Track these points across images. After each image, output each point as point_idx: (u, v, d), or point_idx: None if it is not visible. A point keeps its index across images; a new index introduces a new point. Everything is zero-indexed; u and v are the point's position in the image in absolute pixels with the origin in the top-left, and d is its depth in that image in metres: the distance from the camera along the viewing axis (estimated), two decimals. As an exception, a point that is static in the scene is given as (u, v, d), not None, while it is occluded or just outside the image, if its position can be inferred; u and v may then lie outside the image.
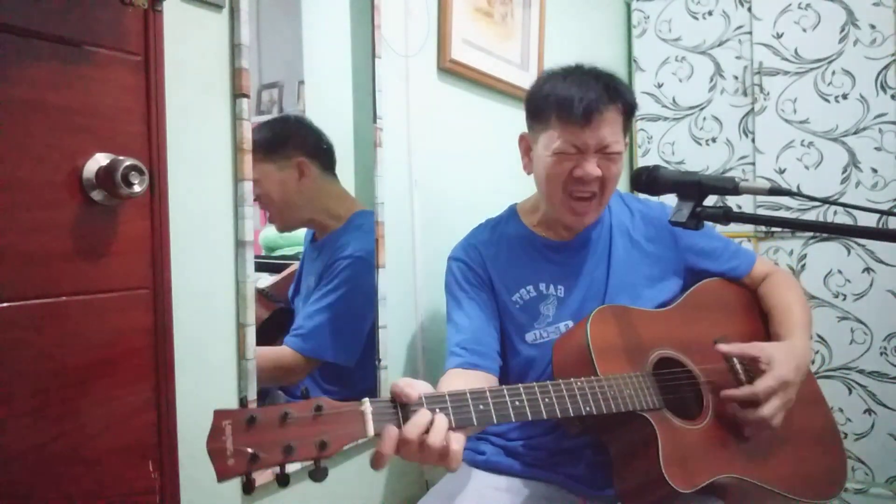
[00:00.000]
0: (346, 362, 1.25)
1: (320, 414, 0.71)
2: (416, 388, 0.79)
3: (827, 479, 1.16)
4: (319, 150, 1.23)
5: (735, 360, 1.13)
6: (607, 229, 1.25)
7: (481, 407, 0.83)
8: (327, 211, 1.25)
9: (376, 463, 0.74)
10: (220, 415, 0.67)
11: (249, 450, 0.65)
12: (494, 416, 0.84)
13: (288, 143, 1.18)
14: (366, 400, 0.75)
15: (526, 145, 1.24)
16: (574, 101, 1.09)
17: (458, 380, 1.10)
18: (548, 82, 1.16)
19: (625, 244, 1.24)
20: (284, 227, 1.20)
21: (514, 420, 0.87)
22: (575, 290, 1.20)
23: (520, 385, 0.89)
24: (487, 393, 0.85)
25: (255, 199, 1.03)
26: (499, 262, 1.23)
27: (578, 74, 1.14)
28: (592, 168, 1.11)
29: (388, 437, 0.73)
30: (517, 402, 0.87)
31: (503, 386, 0.88)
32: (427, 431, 0.75)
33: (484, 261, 1.23)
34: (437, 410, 0.78)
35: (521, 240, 1.25)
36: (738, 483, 1.05)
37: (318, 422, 0.70)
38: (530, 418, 0.88)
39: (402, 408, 0.76)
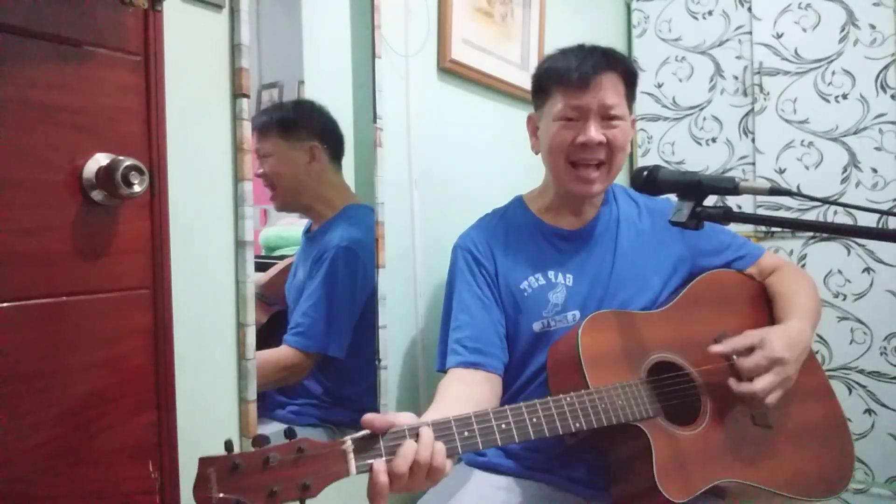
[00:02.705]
0: (339, 354, 1.25)
1: (302, 456, 0.72)
2: (399, 420, 0.79)
3: (832, 476, 1.14)
4: (332, 139, 1.26)
5: (735, 356, 1.12)
6: (615, 221, 1.26)
7: (466, 434, 0.82)
8: (325, 200, 1.26)
9: (374, 500, 0.75)
10: (204, 462, 0.68)
11: (234, 497, 0.67)
12: (480, 443, 0.83)
13: (304, 126, 1.22)
14: (347, 439, 0.75)
15: (533, 126, 1.27)
16: (572, 67, 1.14)
17: (460, 385, 1.10)
18: (549, 60, 1.22)
19: (631, 236, 1.24)
20: (283, 207, 1.21)
21: (500, 444, 0.85)
22: (583, 279, 1.20)
23: (506, 407, 0.88)
24: (472, 418, 0.84)
25: (259, 175, 1.07)
26: (508, 251, 1.23)
27: (577, 49, 1.19)
28: (595, 132, 1.13)
29: (379, 473, 0.74)
30: (503, 426, 0.85)
31: (489, 409, 0.86)
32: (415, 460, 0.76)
33: (492, 251, 1.23)
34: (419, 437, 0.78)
35: (529, 228, 1.25)
36: (739, 486, 1.04)
37: (300, 464, 0.71)
38: (518, 441, 0.87)
39: (383, 440, 0.76)
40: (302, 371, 1.19)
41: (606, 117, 1.14)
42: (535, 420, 0.89)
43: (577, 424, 0.93)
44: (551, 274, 1.20)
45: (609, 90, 1.14)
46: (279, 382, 1.16)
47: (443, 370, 1.18)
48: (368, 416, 0.77)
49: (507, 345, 1.20)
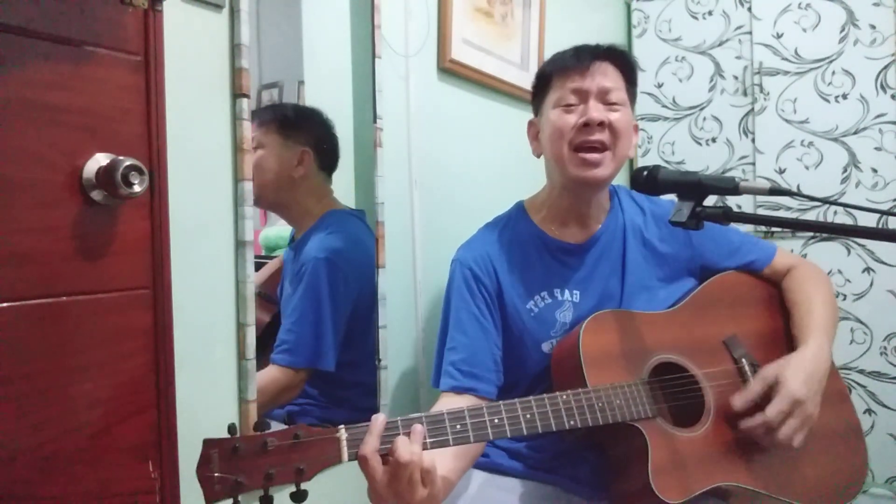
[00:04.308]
0: (329, 367, 1.22)
1: (298, 442, 0.76)
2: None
3: (844, 483, 1.10)
4: (326, 151, 1.27)
5: (743, 359, 1.11)
6: (621, 230, 1.21)
7: (458, 427, 0.83)
8: (302, 205, 1.24)
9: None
10: (208, 444, 0.73)
11: (234, 477, 0.72)
12: (471, 436, 0.84)
13: (303, 130, 1.23)
14: (341, 427, 0.79)
15: (534, 130, 1.25)
16: (571, 55, 1.16)
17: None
18: (548, 60, 1.23)
19: (638, 246, 1.20)
20: (257, 200, 1.20)
21: (492, 439, 0.86)
22: (590, 295, 1.16)
23: (500, 402, 0.88)
24: (465, 412, 0.85)
25: None
26: (512, 269, 1.17)
27: (577, 45, 1.19)
28: (596, 111, 1.11)
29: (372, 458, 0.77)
30: (496, 420, 0.86)
31: (482, 404, 0.88)
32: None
33: (495, 269, 1.16)
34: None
35: (533, 242, 1.20)
36: (741, 490, 1.02)
37: (296, 449, 0.76)
38: (509, 436, 0.87)
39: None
40: (294, 388, 1.16)
41: (606, 102, 1.13)
42: (528, 416, 0.89)
43: (572, 422, 0.92)
44: (557, 291, 1.16)
45: (608, 76, 1.14)
46: (276, 402, 1.13)
47: (437, 387, 1.16)
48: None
49: (517, 367, 1.16)
